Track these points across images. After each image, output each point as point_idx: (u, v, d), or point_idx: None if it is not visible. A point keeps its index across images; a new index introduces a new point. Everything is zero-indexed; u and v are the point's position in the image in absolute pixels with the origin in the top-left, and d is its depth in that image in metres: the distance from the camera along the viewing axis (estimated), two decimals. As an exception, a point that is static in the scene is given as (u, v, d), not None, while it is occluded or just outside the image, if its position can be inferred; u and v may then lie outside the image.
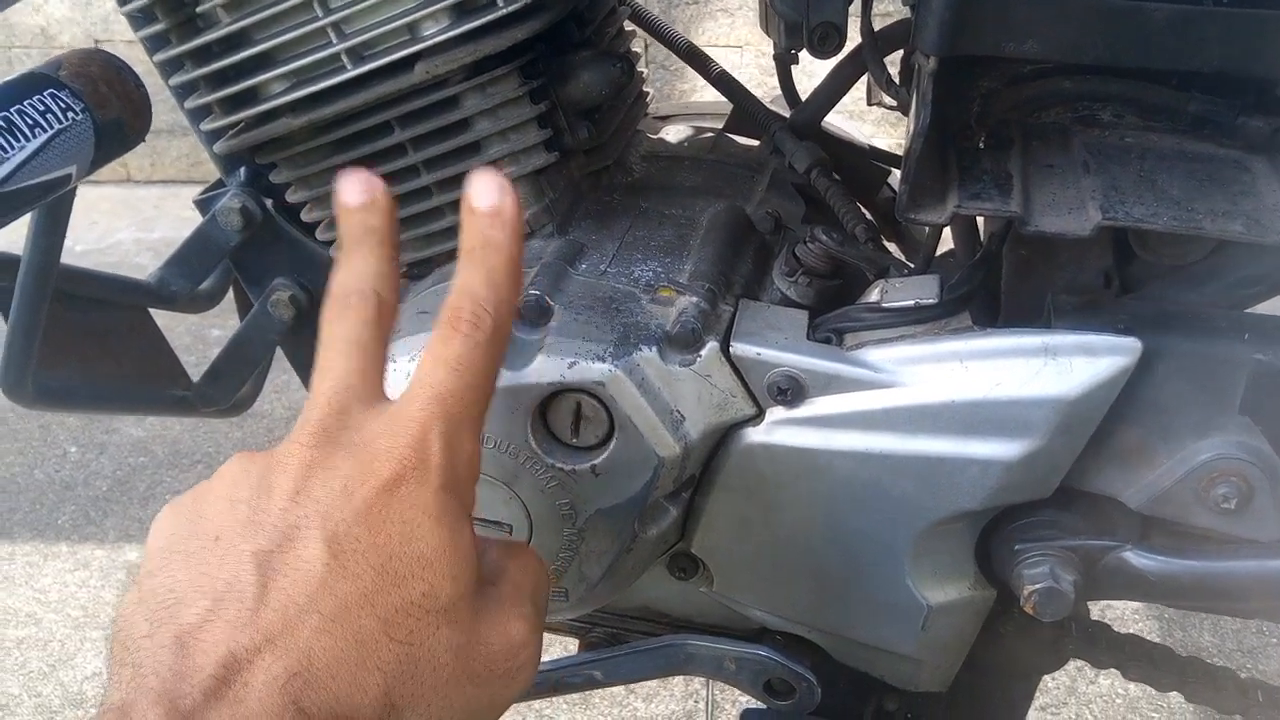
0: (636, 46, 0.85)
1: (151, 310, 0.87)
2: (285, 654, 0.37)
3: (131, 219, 3.55)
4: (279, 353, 0.86)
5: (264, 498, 0.41)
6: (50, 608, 1.99)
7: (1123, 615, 1.77)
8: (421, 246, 0.72)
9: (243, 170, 0.77)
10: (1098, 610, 1.61)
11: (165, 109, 0.80)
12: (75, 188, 0.63)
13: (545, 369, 0.61)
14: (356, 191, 0.48)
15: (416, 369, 0.44)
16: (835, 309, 0.65)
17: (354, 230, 0.48)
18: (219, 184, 0.80)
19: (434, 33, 0.63)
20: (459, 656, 0.40)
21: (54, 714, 1.77)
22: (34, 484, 2.33)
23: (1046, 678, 0.87)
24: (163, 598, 0.39)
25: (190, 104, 0.67)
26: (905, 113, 0.67)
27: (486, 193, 0.47)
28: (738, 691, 1.75)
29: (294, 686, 0.36)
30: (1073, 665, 0.82)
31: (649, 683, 1.73)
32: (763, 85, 1.95)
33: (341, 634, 0.37)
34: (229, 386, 0.86)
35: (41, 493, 2.31)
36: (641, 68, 0.83)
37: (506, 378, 0.61)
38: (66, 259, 0.73)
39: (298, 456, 0.42)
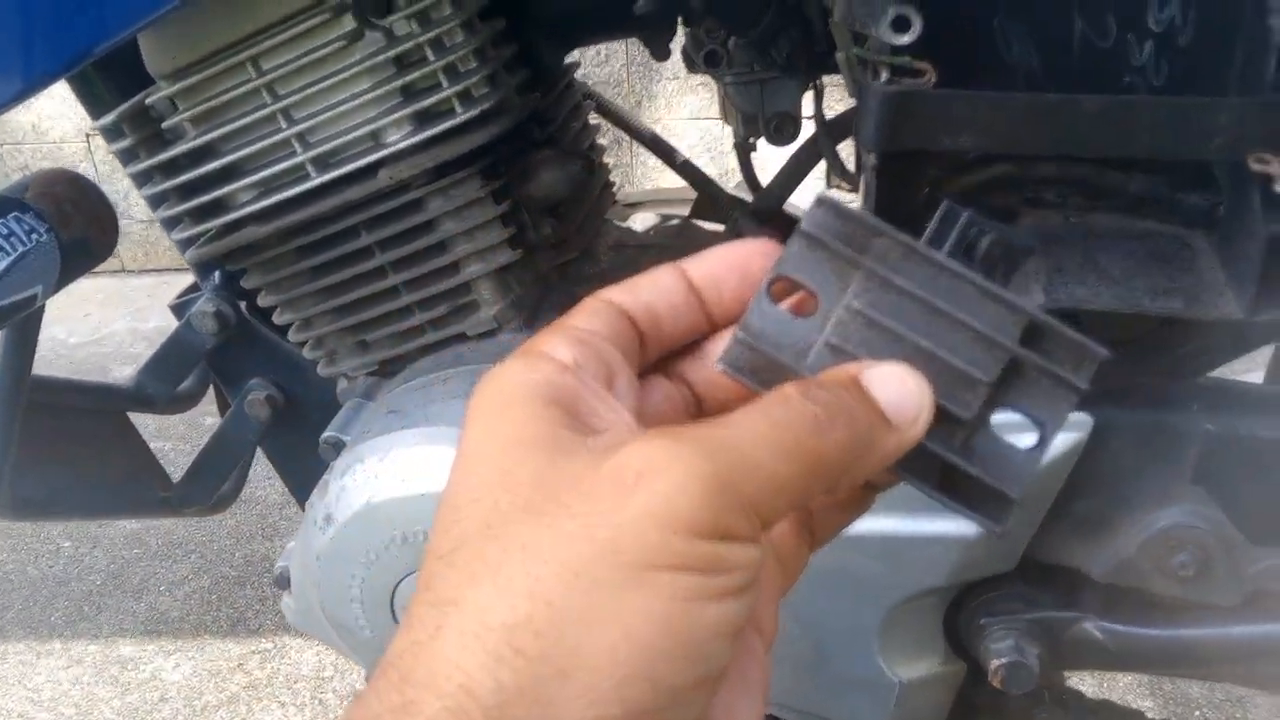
0: (605, 135, 0.87)
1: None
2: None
3: (125, 309, 3.57)
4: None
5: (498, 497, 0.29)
6: (43, 707, 1.97)
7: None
8: (393, 344, 0.73)
9: (216, 274, 0.79)
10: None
11: None
12: (43, 306, 0.64)
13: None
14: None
15: None
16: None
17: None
18: (194, 287, 0.82)
19: (396, 139, 0.65)
20: None
21: (46, 816, 1.74)
22: (27, 581, 2.32)
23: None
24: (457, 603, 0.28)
25: (161, 214, 0.69)
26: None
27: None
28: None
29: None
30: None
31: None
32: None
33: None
34: (209, 486, 0.87)
35: (35, 589, 2.30)
36: (608, 158, 0.86)
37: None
38: (59, 350, 0.75)
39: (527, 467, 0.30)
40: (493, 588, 0.27)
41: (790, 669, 0.68)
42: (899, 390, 0.31)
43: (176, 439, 0.90)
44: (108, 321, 3.45)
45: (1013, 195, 0.66)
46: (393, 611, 0.66)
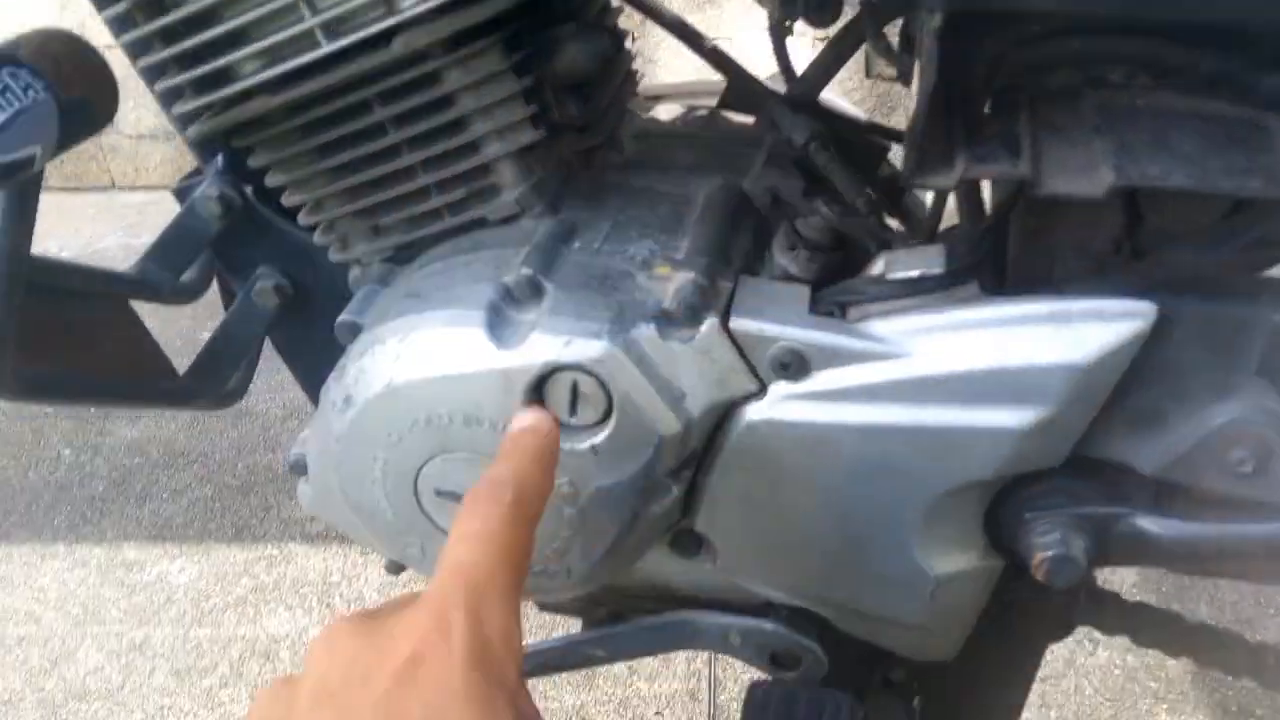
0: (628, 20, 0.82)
1: (139, 307, 0.85)
2: None
3: (116, 225, 3.52)
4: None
5: (284, 706, 0.39)
6: (50, 606, 1.98)
7: (1119, 588, 1.76)
8: (408, 229, 0.70)
9: (220, 157, 0.75)
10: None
11: (148, 113, 0.77)
12: (42, 171, 0.60)
13: (540, 348, 0.59)
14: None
15: (442, 550, 0.43)
16: (838, 282, 0.63)
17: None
18: (197, 172, 0.78)
19: (412, 4, 0.60)
20: None
21: (57, 708, 1.77)
22: (29, 486, 2.31)
23: (1046, 650, 0.86)
24: None
25: (160, 87, 0.65)
26: (906, 83, 0.64)
27: (529, 417, 0.54)
28: (740, 668, 1.75)
29: None
30: (1072, 638, 0.81)
31: (651, 662, 1.72)
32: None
33: None
34: (216, 379, 0.84)
35: (37, 495, 2.29)
36: (629, 45, 0.81)
37: (501, 358, 0.59)
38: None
39: (322, 656, 0.40)
40: None
41: (822, 560, 0.66)
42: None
43: (173, 354, 0.86)
44: (99, 236, 3.41)
45: (1075, 74, 0.62)
46: (416, 495, 0.64)
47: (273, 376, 2.57)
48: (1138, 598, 0.76)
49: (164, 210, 0.77)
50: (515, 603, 0.41)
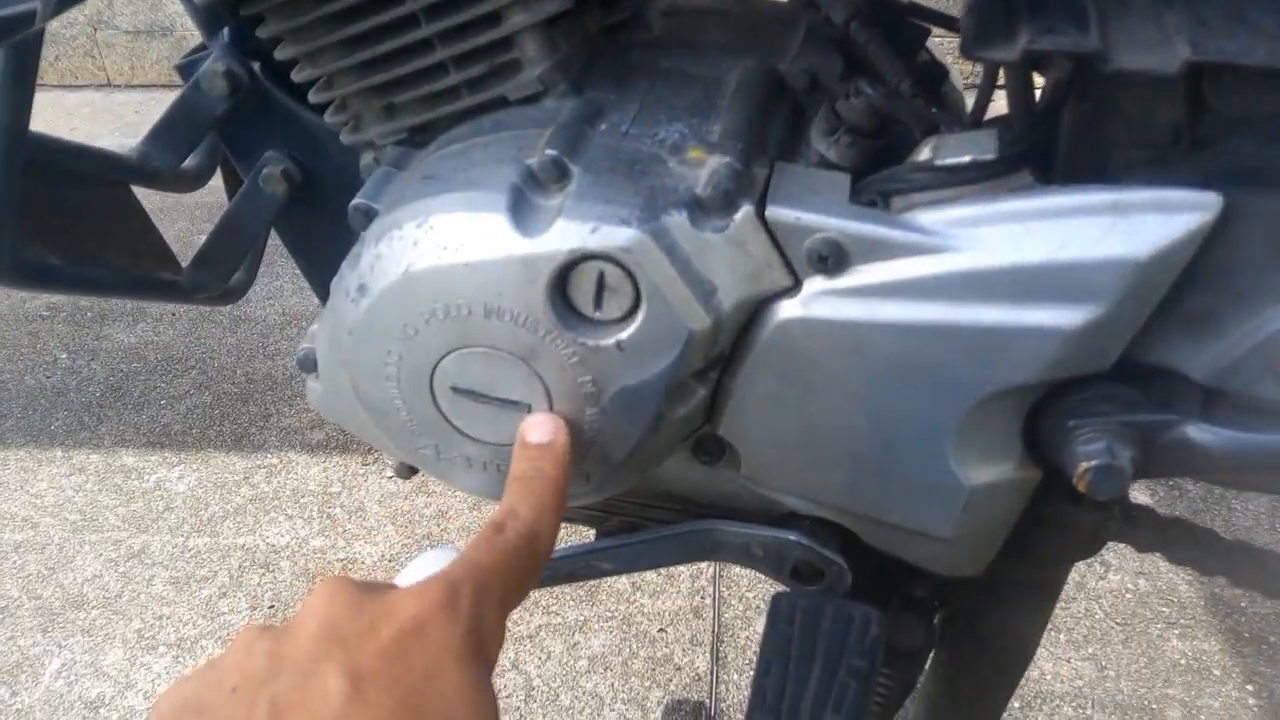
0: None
1: (140, 196, 0.81)
2: None
3: (113, 124, 3.45)
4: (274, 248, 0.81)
5: (287, 643, 0.41)
6: (47, 512, 1.97)
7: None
8: (424, 109, 0.66)
9: (227, 30, 0.71)
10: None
11: (145, 7, 0.73)
12: (42, 31, 0.56)
13: (565, 235, 0.56)
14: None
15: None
16: (880, 170, 0.59)
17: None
18: (202, 48, 0.74)
19: None
20: None
21: (54, 615, 1.76)
22: (25, 390, 2.29)
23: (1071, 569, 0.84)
24: None
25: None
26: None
27: (541, 429, 0.56)
28: (744, 586, 1.75)
29: None
30: (1082, 562, 0.80)
31: (654, 578, 1.72)
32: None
33: None
34: (221, 271, 0.81)
35: (33, 399, 2.27)
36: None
37: (523, 245, 0.56)
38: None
39: (322, 602, 0.43)
40: None
41: (851, 468, 0.64)
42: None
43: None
44: (95, 136, 3.35)
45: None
46: (432, 391, 0.61)
47: (270, 283, 2.55)
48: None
49: (161, 108, 0.73)
50: (506, 614, 0.47)
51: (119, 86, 3.72)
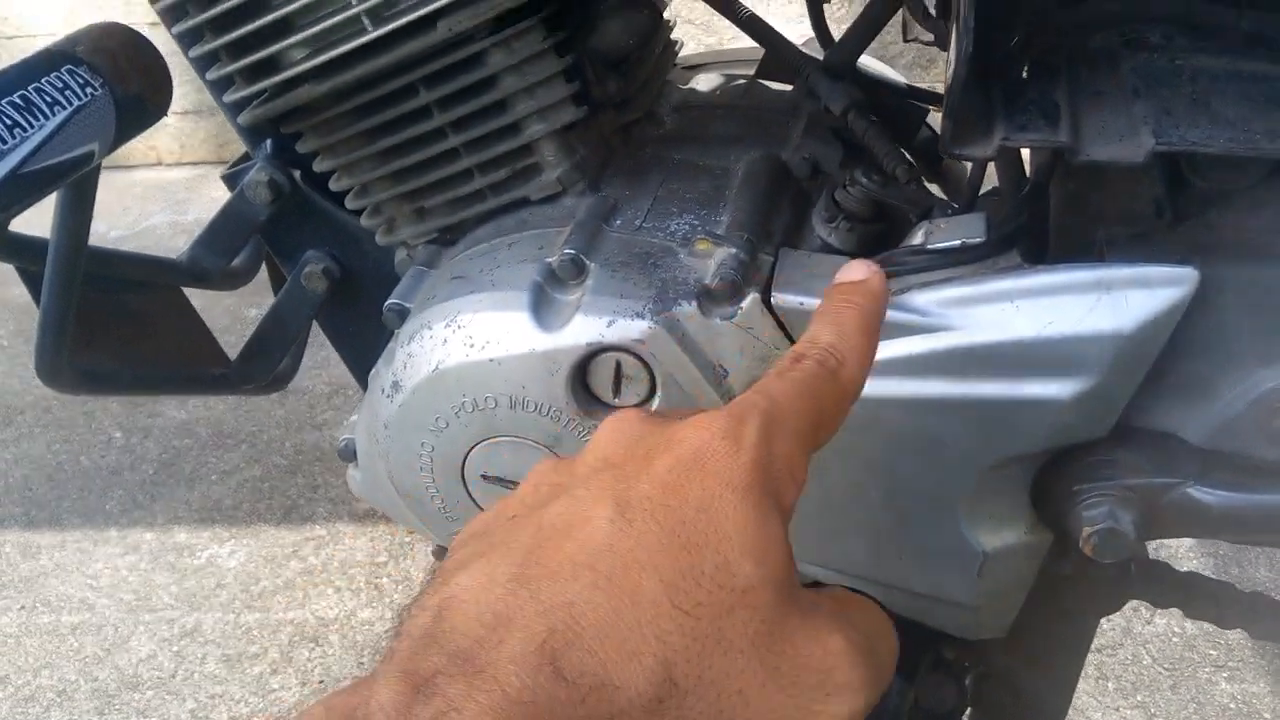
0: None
1: (187, 290, 0.87)
2: (548, 611, 0.33)
3: (164, 202, 3.57)
4: (317, 328, 0.85)
5: (566, 473, 0.40)
6: (103, 593, 2.03)
7: (1175, 554, 1.75)
8: (452, 211, 0.71)
9: (269, 142, 0.76)
10: (1151, 549, 1.59)
11: (192, 90, 0.79)
12: (99, 166, 0.62)
13: (583, 329, 0.60)
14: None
15: None
16: (879, 253, 0.63)
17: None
18: (246, 158, 0.80)
19: (454, -13, 0.61)
20: (757, 646, 0.35)
21: (111, 698, 1.81)
22: (81, 471, 2.37)
23: (1102, 621, 0.85)
24: (443, 573, 0.37)
25: (212, 75, 0.66)
26: (943, 47, 0.64)
27: (855, 269, 0.48)
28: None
29: (553, 644, 0.32)
30: (1128, 607, 0.81)
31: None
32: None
33: (616, 593, 0.34)
34: (267, 363, 0.86)
35: (89, 479, 2.34)
36: (668, 15, 0.81)
37: (545, 340, 0.60)
38: (100, 245, 0.73)
39: (608, 436, 0.40)
40: None
41: (871, 539, 0.67)
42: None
43: (220, 331, 0.88)
44: (147, 215, 3.46)
45: (1113, 37, 0.61)
46: (463, 480, 0.65)
47: (317, 353, 2.59)
48: (1195, 562, 0.76)
49: (209, 185, 0.79)
50: (806, 448, 0.41)
51: (169, 165, 3.85)
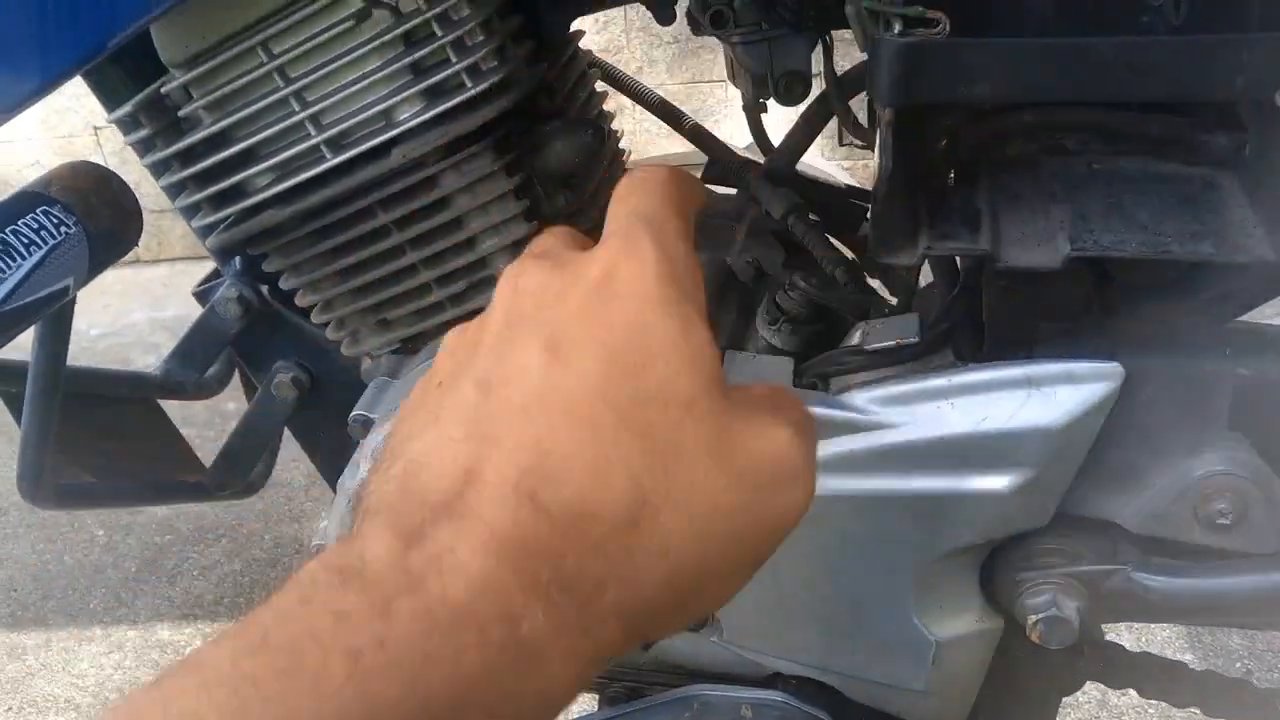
0: (613, 102, 0.86)
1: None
2: (515, 452, 0.34)
3: (143, 299, 3.60)
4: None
5: (480, 333, 0.39)
6: (88, 693, 2.01)
7: (1148, 625, 1.75)
8: (414, 322, 0.73)
9: (237, 260, 0.79)
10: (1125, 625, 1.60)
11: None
12: (74, 298, 0.65)
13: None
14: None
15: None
16: (820, 354, 0.66)
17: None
18: (216, 274, 0.82)
19: (408, 117, 0.65)
20: (713, 452, 0.36)
21: (97, 800, 1.78)
22: (65, 570, 2.36)
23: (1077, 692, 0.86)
24: (391, 450, 0.37)
25: (180, 203, 0.69)
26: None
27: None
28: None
29: (528, 482, 0.33)
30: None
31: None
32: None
33: (575, 426, 0.34)
34: (242, 469, 0.88)
35: (73, 578, 2.33)
36: (616, 125, 0.85)
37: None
38: (81, 343, 0.75)
39: (508, 289, 0.40)
40: None
41: (823, 629, 0.68)
42: None
43: (201, 425, 0.90)
44: (126, 312, 3.48)
45: (1031, 144, 0.65)
46: (427, 588, 0.66)
47: (294, 446, 2.61)
48: (1167, 631, 0.76)
49: (188, 281, 0.81)
50: (690, 243, 0.40)
51: (147, 263, 3.89)
